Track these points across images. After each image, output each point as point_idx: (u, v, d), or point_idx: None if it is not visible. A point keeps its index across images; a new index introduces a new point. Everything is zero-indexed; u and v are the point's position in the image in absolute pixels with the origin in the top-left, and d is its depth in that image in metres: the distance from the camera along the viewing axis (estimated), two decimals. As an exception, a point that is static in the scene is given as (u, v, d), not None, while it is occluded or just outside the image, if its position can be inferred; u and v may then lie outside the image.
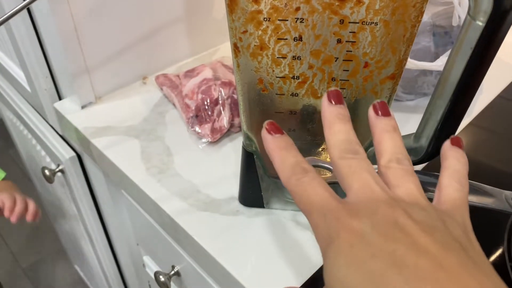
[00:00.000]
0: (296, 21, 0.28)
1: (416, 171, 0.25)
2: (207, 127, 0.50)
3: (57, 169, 0.69)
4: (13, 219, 0.71)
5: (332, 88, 0.26)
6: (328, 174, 0.37)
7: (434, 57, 0.51)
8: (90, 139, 0.52)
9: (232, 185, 0.45)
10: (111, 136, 0.52)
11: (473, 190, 0.32)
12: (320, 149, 0.37)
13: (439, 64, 0.47)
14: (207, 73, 0.55)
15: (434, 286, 0.18)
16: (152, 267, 0.66)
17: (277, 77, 0.31)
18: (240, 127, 0.51)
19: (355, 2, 0.27)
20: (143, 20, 0.57)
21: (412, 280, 0.18)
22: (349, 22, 0.28)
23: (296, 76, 0.31)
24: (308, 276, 0.37)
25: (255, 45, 0.30)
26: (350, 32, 0.28)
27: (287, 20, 0.28)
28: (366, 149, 0.37)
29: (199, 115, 0.51)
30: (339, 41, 0.29)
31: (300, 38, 0.29)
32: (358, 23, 0.28)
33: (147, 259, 0.67)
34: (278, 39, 0.29)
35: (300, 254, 0.39)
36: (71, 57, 0.52)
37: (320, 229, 0.22)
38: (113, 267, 0.87)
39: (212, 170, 0.47)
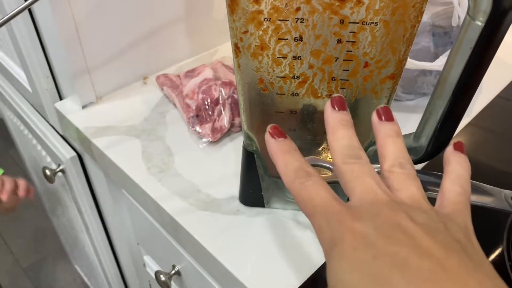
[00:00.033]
0: (296, 21, 0.28)
1: (416, 170, 0.25)
2: (208, 127, 0.50)
3: (58, 169, 0.69)
4: (4, 197, 0.71)
5: (336, 95, 0.27)
6: (328, 174, 0.38)
7: (434, 57, 0.51)
8: (91, 139, 0.52)
9: (233, 185, 0.45)
10: (112, 136, 0.52)
11: (472, 189, 0.32)
12: (320, 149, 0.37)
13: (439, 64, 0.47)
14: (208, 73, 0.55)
15: (437, 287, 0.18)
16: (152, 266, 0.66)
17: (277, 77, 0.32)
18: (240, 126, 0.51)
19: (355, 2, 0.27)
20: (144, 20, 0.57)
21: (415, 282, 0.18)
22: (349, 22, 0.28)
23: (297, 76, 0.31)
24: (308, 275, 0.37)
25: (255, 45, 0.30)
26: (350, 32, 0.29)
27: (288, 20, 0.28)
28: (366, 149, 0.37)
29: (199, 115, 0.51)
30: (339, 41, 0.29)
31: (301, 38, 0.29)
32: (358, 23, 0.28)
33: (147, 259, 0.67)
34: (278, 39, 0.29)
35: (301, 254, 0.39)
36: (72, 57, 0.52)
37: (323, 232, 0.22)
38: (113, 266, 0.87)
39: (212, 170, 0.48)
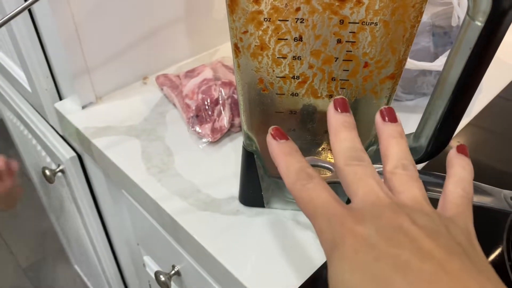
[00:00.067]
0: (296, 22, 0.28)
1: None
2: (208, 127, 0.50)
3: (58, 169, 0.69)
4: None
5: (338, 96, 0.27)
6: (328, 174, 0.38)
7: (434, 57, 0.51)
8: (91, 139, 0.52)
9: (232, 185, 0.45)
10: (112, 136, 0.52)
11: (472, 190, 0.33)
12: (320, 149, 0.37)
13: (439, 64, 0.47)
14: (208, 73, 0.55)
15: None
16: (152, 266, 0.66)
17: (277, 77, 0.32)
18: (240, 127, 0.51)
19: (355, 3, 0.27)
20: (144, 20, 0.57)
21: (416, 284, 0.18)
22: (349, 22, 0.28)
23: (296, 76, 0.31)
24: (309, 275, 0.37)
25: (255, 45, 0.30)
26: (350, 32, 0.29)
27: (288, 21, 0.28)
28: (366, 149, 0.37)
29: (199, 115, 0.51)
30: (339, 41, 0.29)
31: (300, 38, 0.29)
32: (358, 23, 0.28)
33: (147, 259, 0.67)
34: (278, 39, 0.29)
35: (301, 254, 0.39)
36: (72, 57, 0.52)
37: (325, 234, 0.22)
38: (113, 267, 0.87)
39: (212, 170, 0.48)
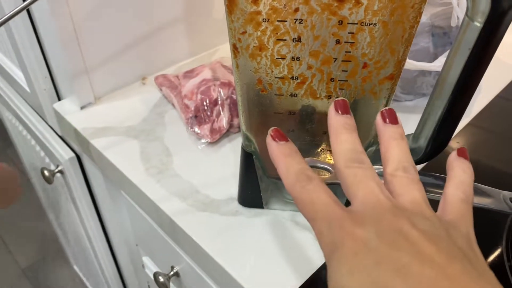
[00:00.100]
0: (295, 22, 0.28)
1: (415, 172, 0.25)
2: (206, 127, 0.50)
3: (57, 170, 0.69)
4: None
5: (339, 98, 0.27)
6: (327, 175, 0.37)
7: (433, 58, 0.51)
8: (89, 139, 0.52)
9: (231, 186, 0.45)
10: (110, 137, 0.52)
11: (471, 191, 0.32)
12: (319, 150, 0.37)
13: (438, 64, 0.47)
14: (207, 74, 0.55)
15: None
16: (151, 267, 0.66)
17: (276, 77, 0.32)
18: (239, 127, 0.51)
19: (354, 3, 0.27)
20: (143, 21, 0.57)
21: None
22: (348, 23, 0.28)
23: (295, 77, 0.31)
24: (308, 276, 0.37)
25: (254, 46, 0.30)
26: (348, 33, 0.29)
27: (286, 21, 0.28)
28: (365, 149, 0.37)
29: (198, 116, 0.51)
30: (338, 42, 0.29)
31: (299, 39, 0.29)
32: (356, 24, 0.28)
33: (146, 260, 0.67)
34: (277, 40, 0.29)
35: (299, 255, 0.39)
36: (71, 58, 0.52)
37: (324, 237, 0.22)
38: (112, 267, 0.87)
39: (211, 171, 0.48)
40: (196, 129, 0.50)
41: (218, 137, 0.50)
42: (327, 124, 0.27)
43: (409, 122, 0.51)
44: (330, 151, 0.37)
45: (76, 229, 0.88)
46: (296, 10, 0.28)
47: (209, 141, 0.50)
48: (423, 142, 0.34)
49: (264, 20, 0.28)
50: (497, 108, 0.58)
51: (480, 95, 0.59)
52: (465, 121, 0.55)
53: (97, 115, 0.56)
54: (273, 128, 0.27)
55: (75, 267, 1.27)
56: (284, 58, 0.30)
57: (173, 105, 0.56)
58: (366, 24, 0.28)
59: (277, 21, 0.28)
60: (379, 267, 0.19)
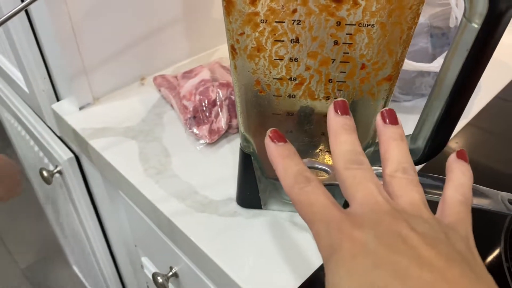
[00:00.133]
0: (293, 23, 0.28)
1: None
2: (205, 128, 0.50)
3: (55, 170, 0.68)
4: None
5: (339, 99, 0.27)
6: (325, 176, 0.37)
7: (432, 58, 0.51)
8: (88, 140, 0.52)
9: (230, 186, 0.45)
10: (109, 137, 0.52)
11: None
12: (317, 151, 0.37)
13: (437, 65, 0.47)
14: (205, 74, 0.55)
15: None
16: (150, 268, 0.66)
17: (274, 78, 0.31)
18: (238, 128, 0.51)
19: (352, 4, 0.27)
20: (141, 21, 0.57)
21: None
22: (346, 24, 0.28)
23: (293, 78, 0.31)
24: (306, 277, 0.37)
25: (252, 47, 0.30)
26: (346, 34, 0.28)
27: (284, 22, 0.28)
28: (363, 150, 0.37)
29: (196, 116, 0.51)
30: (336, 43, 0.29)
31: (297, 40, 0.29)
32: (354, 25, 0.28)
33: (145, 260, 0.67)
34: (275, 41, 0.29)
35: (298, 255, 0.39)
36: (69, 58, 0.52)
37: (323, 239, 0.22)
38: (111, 267, 0.87)
39: (209, 172, 0.47)
40: (195, 130, 0.50)
41: (217, 138, 0.50)
42: (325, 125, 0.27)
43: (408, 122, 0.51)
44: (328, 152, 0.37)
45: (75, 230, 0.88)
46: (294, 11, 0.28)
47: (207, 142, 0.50)
48: (421, 143, 0.34)
49: (262, 21, 0.28)
50: (496, 108, 0.58)
51: (479, 96, 0.59)
52: (464, 121, 0.55)
53: (96, 115, 0.56)
54: (272, 129, 0.27)
55: (74, 268, 1.27)
56: (282, 59, 0.30)
57: (171, 105, 0.56)
58: (364, 25, 0.28)
59: (275, 22, 0.28)
60: (377, 270, 0.19)
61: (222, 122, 0.50)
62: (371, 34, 0.28)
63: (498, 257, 0.39)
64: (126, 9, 0.54)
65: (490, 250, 0.39)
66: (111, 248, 0.81)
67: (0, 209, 1.58)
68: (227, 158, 0.49)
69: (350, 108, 0.33)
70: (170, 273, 0.54)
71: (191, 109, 0.51)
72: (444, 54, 0.49)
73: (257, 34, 0.29)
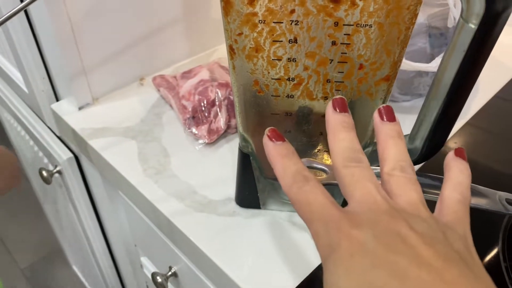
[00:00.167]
0: (291, 24, 0.28)
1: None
2: (204, 128, 0.50)
3: (55, 170, 0.69)
4: None
5: (337, 96, 0.26)
6: (324, 176, 0.38)
7: (430, 58, 0.51)
8: (87, 140, 0.52)
9: (229, 186, 0.45)
10: (108, 137, 0.52)
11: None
12: (316, 150, 0.37)
13: (435, 65, 0.47)
14: (204, 74, 0.55)
15: None
16: (149, 268, 0.66)
17: (272, 79, 0.32)
18: (236, 128, 0.51)
19: (350, 5, 0.27)
20: (140, 21, 0.57)
21: None
22: (344, 25, 0.28)
23: (292, 78, 0.31)
24: (305, 276, 0.37)
25: (250, 47, 0.30)
26: (344, 34, 0.29)
27: (282, 23, 0.28)
28: (361, 150, 0.37)
29: (196, 116, 0.51)
30: (333, 43, 0.29)
31: (295, 40, 0.29)
32: (352, 25, 0.28)
33: (144, 260, 0.67)
34: (273, 41, 0.29)
35: (297, 255, 0.39)
36: (68, 58, 0.52)
37: (321, 238, 0.22)
38: (111, 267, 0.87)
39: (208, 171, 0.48)
40: (194, 130, 0.50)
41: (216, 137, 0.50)
42: (323, 125, 0.27)
43: (406, 122, 0.51)
44: (327, 152, 0.37)
45: (74, 229, 0.88)
46: (292, 11, 0.28)
47: (206, 141, 0.50)
48: (419, 143, 0.35)
49: (260, 21, 0.28)
50: (494, 108, 0.58)
51: (478, 95, 0.60)
52: (463, 121, 0.55)
53: (95, 115, 0.56)
54: (270, 128, 0.27)
55: (74, 267, 1.27)
56: (280, 60, 0.30)
57: (170, 105, 0.56)
58: (362, 26, 0.28)
59: (273, 22, 0.28)
60: (376, 269, 0.19)
61: (221, 122, 0.51)
62: (369, 35, 0.28)
63: (496, 256, 0.39)
64: (125, 10, 0.54)
65: (488, 249, 0.39)
66: (110, 248, 0.82)
67: (0, 209, 1.58)
68: (226, 158, 0.49)
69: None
70: (170, 273, 0.54)
71: (190, 109, 0.51)
72: (442, 54, 0.49)
73: (255, 34, 0.29)
